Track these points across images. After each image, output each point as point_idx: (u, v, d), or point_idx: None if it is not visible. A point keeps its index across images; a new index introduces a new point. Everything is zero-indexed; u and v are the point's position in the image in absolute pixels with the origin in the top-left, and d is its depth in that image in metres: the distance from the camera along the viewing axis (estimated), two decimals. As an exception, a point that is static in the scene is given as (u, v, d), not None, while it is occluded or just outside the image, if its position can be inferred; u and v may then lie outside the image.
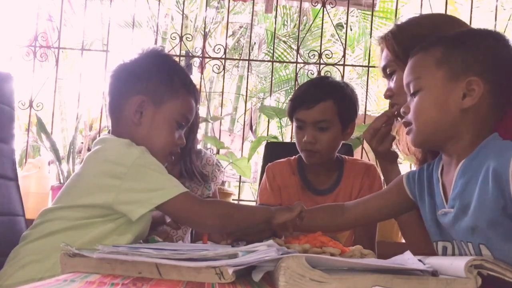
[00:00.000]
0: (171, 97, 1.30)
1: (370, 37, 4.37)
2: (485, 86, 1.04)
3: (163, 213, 1.22)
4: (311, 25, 6.18)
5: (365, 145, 3.16)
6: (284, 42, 7.54)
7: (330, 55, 3.52)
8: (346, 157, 1.89)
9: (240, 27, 8.07)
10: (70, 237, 1.20)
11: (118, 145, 1.25)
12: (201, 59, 3.70)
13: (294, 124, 1.79)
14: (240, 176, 3.46)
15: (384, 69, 1.45)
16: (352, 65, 6.73)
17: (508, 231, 0.97)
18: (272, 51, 4.71)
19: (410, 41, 1.30)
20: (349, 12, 3.73)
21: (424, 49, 1.12)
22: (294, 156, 1.89)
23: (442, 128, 1.07)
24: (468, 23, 3.55)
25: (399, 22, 1.46)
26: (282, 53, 7.38)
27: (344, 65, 3.56)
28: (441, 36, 1.12)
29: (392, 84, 1.42)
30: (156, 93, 1.29)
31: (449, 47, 1.08)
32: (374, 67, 3.52)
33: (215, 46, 3.67)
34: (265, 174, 1.90)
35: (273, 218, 1.23)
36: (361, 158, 3.19)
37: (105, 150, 1.25)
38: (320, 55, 3.46)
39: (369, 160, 3.05)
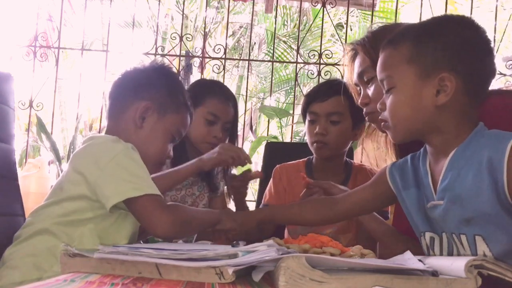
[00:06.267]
0: (174, 111, 1.37)
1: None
2: (458, 79, 1.01)
3: (128, 209, 1.20)
4: (311, 25, 6.18)
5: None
6: (284, 42, 7.54)
7: (330, 55, 3.52)
8: (354, 162, 1.94)
9: (240, 27, 8.07)
10: (55, 236, 1.21)
11: (105, 140, 1.28)
12: (201, 59, 3.71)
13: (307, 119, 1.84)
14: (240, 176, 3.46)
15: (360, 75, 1.44)
16: (352, 65, 6.71)
17: (503, 222, 0.96)
18: (272, 51, 4.71)
19: None
20: (349, 12, 3.73)
21: (393, 44, 1.09)
22: (303, 159, 1.93)
23: (418, 125, 1.06)
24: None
25: (372, 30, 1.44)
26: (282, 53, 7.39)
27: (344, 65, 3.56)
28: (409, 29, 1.09)
29: (369, 91, 1.39)
30: (162, 104, 1.35)
31: (418, 43, 1.05)
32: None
33: (215, 46, 3.67)
34: (272, 175, 1.94)
35: (218, 223, 1.31)
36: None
37: (92, 145, 1.28)
38: (320, 55, 3.46)
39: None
